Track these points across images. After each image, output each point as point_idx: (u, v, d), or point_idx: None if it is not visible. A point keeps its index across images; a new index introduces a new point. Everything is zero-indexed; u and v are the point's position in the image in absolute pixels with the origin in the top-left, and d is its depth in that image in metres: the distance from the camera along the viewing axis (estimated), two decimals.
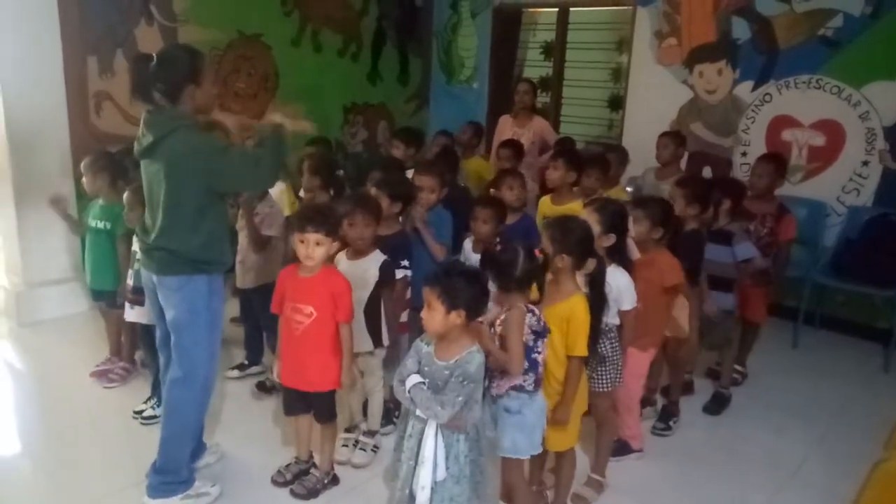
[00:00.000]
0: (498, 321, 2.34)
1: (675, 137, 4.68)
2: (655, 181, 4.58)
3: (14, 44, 4.17)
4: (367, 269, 2.96)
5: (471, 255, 3.35)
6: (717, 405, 3.72)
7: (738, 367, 4.02)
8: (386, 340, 3.07)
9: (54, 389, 3.72)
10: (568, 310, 2.44)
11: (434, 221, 3.39)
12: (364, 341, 3.00)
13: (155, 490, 2.72)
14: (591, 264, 2.53)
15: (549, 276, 2.49)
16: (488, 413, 2.40)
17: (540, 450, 2.49)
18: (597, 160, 4.09)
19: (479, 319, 2.28)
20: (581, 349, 2.45)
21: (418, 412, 2.20)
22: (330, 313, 2.71)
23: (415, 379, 2.21)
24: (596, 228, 2.65)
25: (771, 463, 3.26)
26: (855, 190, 4.68)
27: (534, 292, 2.37)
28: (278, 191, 4.11)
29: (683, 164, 4.95)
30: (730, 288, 3.53)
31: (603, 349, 2.76)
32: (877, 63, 4.48)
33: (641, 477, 3.11)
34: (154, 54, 2.57)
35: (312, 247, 2.64)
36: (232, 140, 3.39)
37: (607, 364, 2.78)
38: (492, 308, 2.41)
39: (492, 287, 2.34)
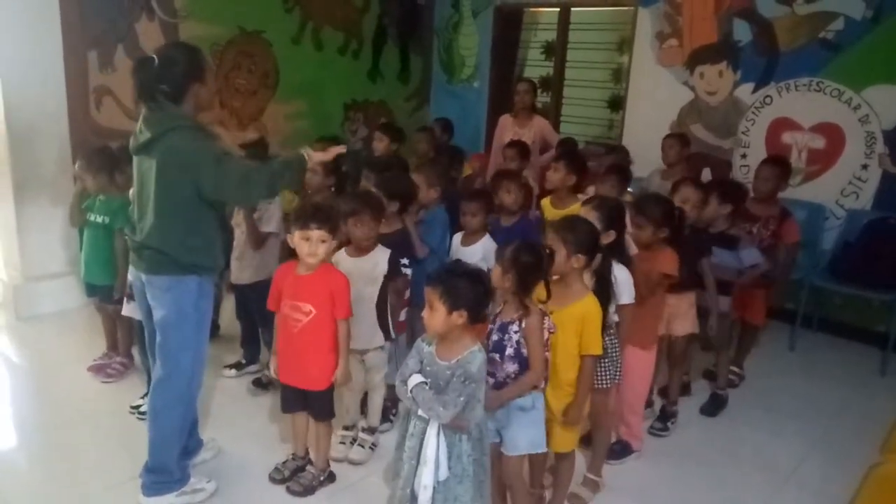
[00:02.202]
0: (514, 330, 2.33)
1: (680, 139, 4.69)
2: (661, 182, 4.55)
3: (15, 39, 4.16)
4: (376, 263, 2.97)
5: (459, 248, 3.36)
6: (713, 406, 3.72)
7: (735, 369, 4.03)
8: (393, 333, 3.09)
9: (51, 383, 3.72)
10: (583, 310, 2.45)
11: (428, 220, 3.40)
12: (375, 337, 3.02)
13: (149, 489, 2.71)
14: (597, 260, 2.55)
15: (554, 277, 2.48)
16: (490, 420, 2.41)
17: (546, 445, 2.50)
18: (615, 168, 4.01)
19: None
20: (597, 348, 2.47)
21: (420, 412, 2.20)
22: (328, 311, 2.70)
23: (417, 379, 2.20)
24: (596, 226, 2.66)
25: (767, 465, 3.27)
26: (854, 193, 4.68)
27: (541, 292, 2.37)
28: None
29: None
30: (726, 291, 3.52)
31: (603, 344, 2.77)
32: (877, 66, 4.48)
33: (638, 477, 3.11)
34: (154, 56, 2.53)
35: (317, 244, 2.63)
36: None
37: (606, 360, 2.79)
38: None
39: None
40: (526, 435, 2.42)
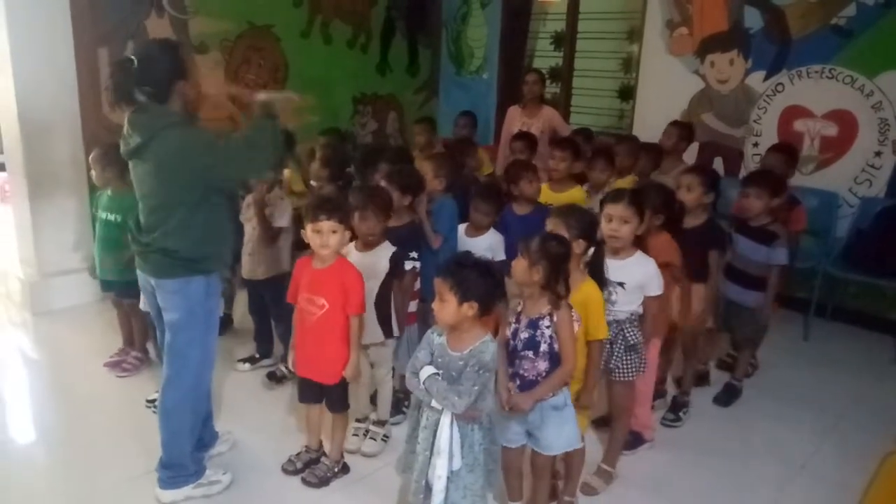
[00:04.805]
0: (546, 325, 2.32)
1: (681, 128, 4.65)
2: (658, 173, 4.53)
3: (27, 37, 4.19)
4: (377, 260, 2.97)
5: (465, 240, 3.37)
6: (727, 396, 3.71)
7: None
8: (396, 331, 3.08)
9: (68, 378, 3.76)
10: (584, 297, 2.46)
11: (435, 210, 3.40)
12: (375, 332, 3.02)
13: (165, 483, 2.74)
14: (590, 252, 2.56)
15: None
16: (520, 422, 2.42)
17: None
18: (602, 152, 4.10)
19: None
20: (603, 332, 2.48)
21: (433, 403, 2.21)
22: (341, 305, 2.71)
23: (429, 370, 2.21)
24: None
25: (780, 454, 3.26)
26: (867, 181, 4.64)
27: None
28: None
29: (694, 154, 4.93)
30: (754, 285, 3.49)
31: (633, 337, 2.78)
32: (890, 53, 4.43)
33: (650, 467, 3.11)
34: (132, 56, 2.47)
35: (328, 235, 2.64)
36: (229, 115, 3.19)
37: (633, 353, 2.79)
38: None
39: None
40: (562, 434, 2.41)
